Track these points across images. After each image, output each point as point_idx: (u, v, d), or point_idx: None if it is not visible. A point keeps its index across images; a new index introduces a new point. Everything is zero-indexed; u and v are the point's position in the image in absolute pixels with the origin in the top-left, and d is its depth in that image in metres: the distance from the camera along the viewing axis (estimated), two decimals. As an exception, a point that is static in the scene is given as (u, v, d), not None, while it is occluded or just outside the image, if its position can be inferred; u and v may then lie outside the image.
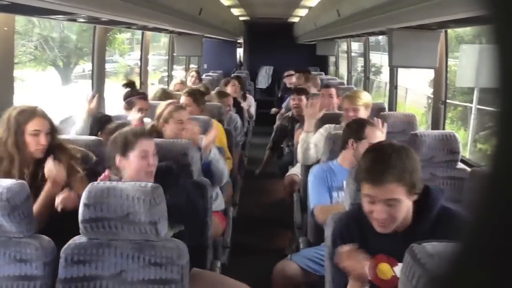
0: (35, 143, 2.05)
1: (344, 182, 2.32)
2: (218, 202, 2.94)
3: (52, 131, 2.11)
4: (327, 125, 3.23)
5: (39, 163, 2.07)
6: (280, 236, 3.90)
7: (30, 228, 1.72)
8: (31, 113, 2.06)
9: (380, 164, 1.50)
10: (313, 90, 5.25)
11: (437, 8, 2.07)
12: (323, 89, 4.31)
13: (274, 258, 2.78)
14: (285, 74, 7.58)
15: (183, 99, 3.55)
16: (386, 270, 1.59)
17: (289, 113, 4.80)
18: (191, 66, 7.92)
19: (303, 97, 4.40)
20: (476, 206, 0.33)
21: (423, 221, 1.54)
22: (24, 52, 15.14)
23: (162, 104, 2.93)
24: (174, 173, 2.18)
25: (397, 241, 1.49)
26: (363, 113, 3.11)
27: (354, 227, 1.66)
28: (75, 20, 2.60)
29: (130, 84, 3.40)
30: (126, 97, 3.35)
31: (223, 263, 2.67)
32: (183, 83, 5.35)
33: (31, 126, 2.04)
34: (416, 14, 2.38)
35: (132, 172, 2.04)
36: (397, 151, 1.52)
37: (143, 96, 3.42)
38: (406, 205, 1.51)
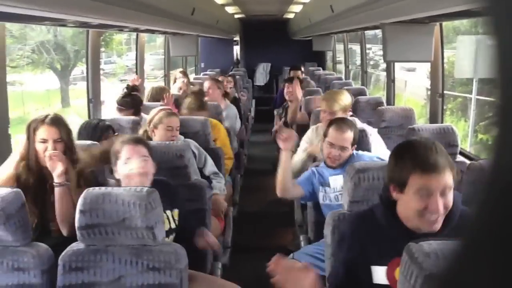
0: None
1: (330, 179, 2.45)
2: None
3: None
4: (314, 126, 3.23)
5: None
6: (281, 234, 3.89)
7: (26, 236, 1.72)
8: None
9: (432, 152, 1.43)
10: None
11: (429, 2, 2.05)
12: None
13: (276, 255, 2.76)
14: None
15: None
16: None
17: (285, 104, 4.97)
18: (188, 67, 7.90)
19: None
20: (478, 201, 0.33)
21: (446, 225, 1.45)
22: (21, 56, 15.14)
23: (154, 110, 2.92)
24: (172, 188, 2.20)
25: None
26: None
27: (364, 230, 1.58)
28: (65, 25, 2.59)
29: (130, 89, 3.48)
30: (121, 100, 3.40)
31: (224, 264, 2.66)
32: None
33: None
34: (409, 9, 2.36)
35: (123, 180, 2.05)
36: (434, 143, 1.48)
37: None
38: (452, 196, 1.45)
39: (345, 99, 3.12)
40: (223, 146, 3.48)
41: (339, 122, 2.51)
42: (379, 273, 1.54)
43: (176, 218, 2.15)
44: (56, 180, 2.00)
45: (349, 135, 2.44)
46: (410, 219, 1.48)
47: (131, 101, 3.55)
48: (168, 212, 2.11)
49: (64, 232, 1.98)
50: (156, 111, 2.88)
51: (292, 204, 3.46)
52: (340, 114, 3.04)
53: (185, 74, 6.04)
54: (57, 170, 1.99)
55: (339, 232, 1.86)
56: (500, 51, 0.30)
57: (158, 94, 4.12)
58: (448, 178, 1.41)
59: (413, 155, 1.44)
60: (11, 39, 13.92)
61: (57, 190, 1.99)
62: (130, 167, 2.02)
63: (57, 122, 2.07)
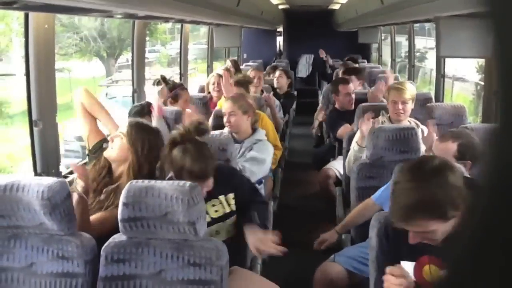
0: None
1: None
2: None
3: None
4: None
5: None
6: (321, 230, 3.82)
7: (70, 226, 1.74)
8: None
9: None
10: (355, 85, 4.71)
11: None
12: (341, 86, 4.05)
13: (316, 253, 2.72)
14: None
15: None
16: (433, 271, 1.51)
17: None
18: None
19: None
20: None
21: None
22: (70, 44, 15.61)
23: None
24: (226, 172, 2.21)
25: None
26: (410, 107, 3.01)
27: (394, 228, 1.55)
28: (112, 17, 2.61)
29: (163, 80, 3.41)
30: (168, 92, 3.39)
31: (264, 259, 2.63)
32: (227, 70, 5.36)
33: None
34: (467, 2, 2.23)
35: None
36: None
37: (184, 86, 3.48)
38: None
39: (412, 87, 3.08)
40: (272, 138, 3.43)
41: (443, 135, 2.32)
42: (408, 269, 1.51)
43: (232, 202, 2.16)
44: (77, 186, 1.95)
45: (451, 146, 2.17)
46: None
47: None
48: (222, 197, 2.13)
49: None
50: None
51: (333, 200, 3.39)
52: (410, 104, 3.01)
53: (235, 62, 6.05)
54: (79, 182, 1.95)
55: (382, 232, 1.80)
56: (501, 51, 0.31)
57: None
58: None
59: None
60: (61, 28, 14.36)
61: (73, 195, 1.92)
62: None
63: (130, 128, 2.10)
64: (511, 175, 0.30)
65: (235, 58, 7.42)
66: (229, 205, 2.16)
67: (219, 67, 6.54)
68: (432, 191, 1.34)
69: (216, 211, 2.13)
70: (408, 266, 1.54)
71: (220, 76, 4.43)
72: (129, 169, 2.04)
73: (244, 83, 3.74)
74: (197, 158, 1.92)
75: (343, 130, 3.71)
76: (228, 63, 5.98)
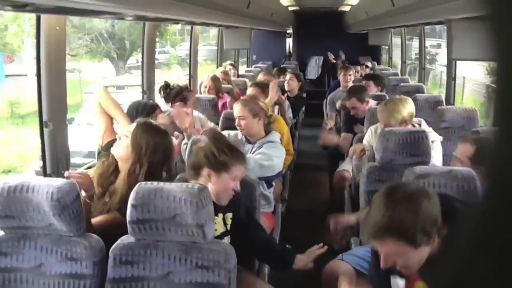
0: None
1: None
2: (269, 203, 2.90)
3: None
4: (372, 127, 3.10)
5: None
6: (330, 233, 3.80)
7: (79, 227, 1.74)
8: None
9: None
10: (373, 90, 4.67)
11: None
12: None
13: (324, 255, 2.70)
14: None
15: (250, 90, 3.57)
16: None
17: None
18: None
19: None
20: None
21: None
22: (80, 45, 15.74)
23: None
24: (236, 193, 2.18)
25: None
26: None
27: None
28: (123, 19, 2.63)
29: (166, 86, 3.43)
30: (174, 96, 3.38)
31: None
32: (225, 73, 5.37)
33: None
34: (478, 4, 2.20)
35: (217, 188, 2.03)
36: None
37: (190, 88, 3.48)
38: None
39: (404, 110, 2.84)
40: (286, 143, 3.37)
41: (466, 136, 2.33)
42: (399, 285, 1.52)
43: (229, 222, 2.11)
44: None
45: (470, 148, 2.19)
46: None
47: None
48: (220, 215, 2.08)
49: None
50: None
51: (342, 203, 3.37)
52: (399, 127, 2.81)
53: (233, 66, 6.06)
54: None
55: None
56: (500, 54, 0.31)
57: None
58: None
59: None
60: (72, 29, 14.48)
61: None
62: (232, 187, 2.05)
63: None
64: (511, 175, 0.30)
65: (233, 61, 7.39)
66: (225, 224, 2.10)
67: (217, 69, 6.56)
68: (401, 215, 1.35)
69: (215, 230, 2.04)
70: (399, 283, 1.54)
71: (213, 79, 4.48)
72: (127, 168, 2.04)
73: (262, 86, 3.73)
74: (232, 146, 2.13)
75: (343, 138, 3.74)
76: (229, 67, 6.00)
